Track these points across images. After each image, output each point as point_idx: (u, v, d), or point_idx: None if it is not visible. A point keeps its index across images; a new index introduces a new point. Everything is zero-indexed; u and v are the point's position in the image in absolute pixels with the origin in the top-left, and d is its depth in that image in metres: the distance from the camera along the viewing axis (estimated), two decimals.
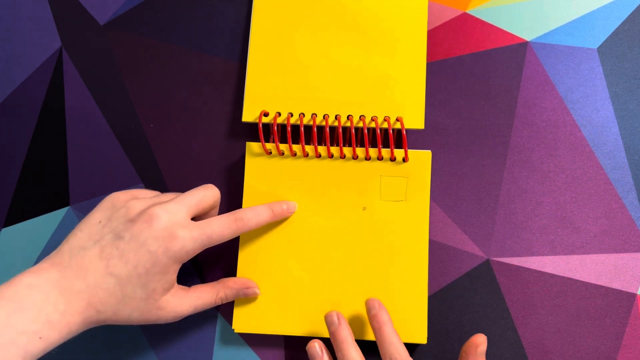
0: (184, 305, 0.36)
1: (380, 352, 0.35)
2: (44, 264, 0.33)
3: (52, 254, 0.33)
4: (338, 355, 0.36)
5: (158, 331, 0.41)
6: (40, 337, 0.30)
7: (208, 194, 0.37)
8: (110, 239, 0.33)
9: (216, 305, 0.38)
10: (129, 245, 0.32)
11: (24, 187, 0.44)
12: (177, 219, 0.34)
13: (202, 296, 0.37)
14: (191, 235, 0.34)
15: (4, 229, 0.44)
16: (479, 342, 0.35)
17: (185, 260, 0.34)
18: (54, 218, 0.43)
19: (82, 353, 0.41)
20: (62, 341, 0.32)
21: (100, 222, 0.34)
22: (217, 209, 0.39)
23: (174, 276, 0.34)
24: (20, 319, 0.30)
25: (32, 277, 0.31)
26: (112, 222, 0.34)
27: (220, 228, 0.35)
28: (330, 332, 0.37)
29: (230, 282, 0.39)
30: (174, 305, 0.35)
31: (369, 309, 0.37)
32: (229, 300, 0.39)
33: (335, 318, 0.37)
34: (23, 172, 0.44)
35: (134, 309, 0.33)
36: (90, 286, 0.32)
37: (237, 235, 0.37)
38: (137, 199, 0.35)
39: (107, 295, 0.32)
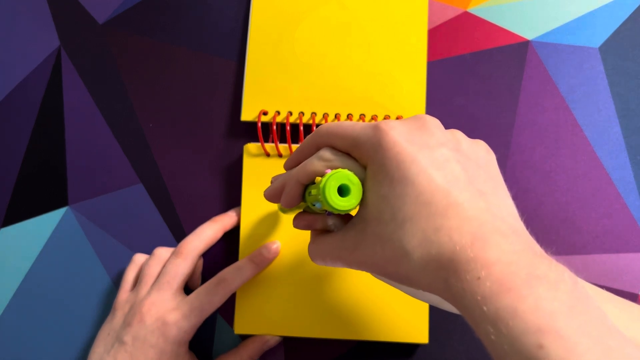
0: None
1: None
2: None
3: None
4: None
5: None
6: None
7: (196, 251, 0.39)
8: (118, 347, 0.35)
9: None
10: (134, 347, 0.35)
11: (22, 187, 0.44)
12: (165, 307, 0.36)
13: None
14: (182, 315, 0.36)
15: (3, 229, 0.43)
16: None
17: (189, 338, 0.36)
18: (52, 218, 0.43)
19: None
20: None
21: (109, 333, 0.37)
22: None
23: (187, 356, 0.37)
24: None
25: None
26: (116, 330, 0.37)
27: (207, 296, 0.36)
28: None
29: (248, 342, 0.39)
30: None
31: None
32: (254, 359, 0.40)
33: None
34: (21, 172, 0.44)
35: None
36: None
37: (227, 298, 0.37)
38: (130, 298, 0.38)
39: None
